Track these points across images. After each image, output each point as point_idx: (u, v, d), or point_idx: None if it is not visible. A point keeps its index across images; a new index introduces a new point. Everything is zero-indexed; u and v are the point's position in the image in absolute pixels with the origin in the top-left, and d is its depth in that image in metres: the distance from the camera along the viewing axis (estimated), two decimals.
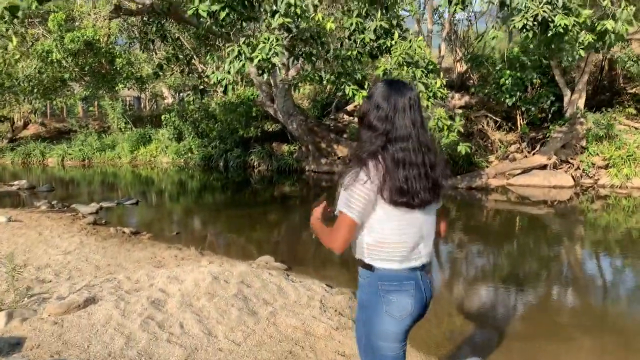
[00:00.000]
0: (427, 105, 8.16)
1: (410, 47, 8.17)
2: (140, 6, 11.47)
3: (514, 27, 7.93)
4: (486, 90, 15.72)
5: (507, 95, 14.80)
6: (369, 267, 2.16)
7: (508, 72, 14.69)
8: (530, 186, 12.81)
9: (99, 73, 21.21)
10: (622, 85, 16.59)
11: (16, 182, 14.98)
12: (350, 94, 8.32)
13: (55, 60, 17.57)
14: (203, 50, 14.47)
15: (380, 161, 2.06)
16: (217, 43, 17.28)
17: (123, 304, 4.24)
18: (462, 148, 8.43)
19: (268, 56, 7.47)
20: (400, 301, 2.12)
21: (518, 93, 14.65)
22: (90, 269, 5.73)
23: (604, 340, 4.48)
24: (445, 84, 8.46)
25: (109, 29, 22.24)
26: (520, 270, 6.69)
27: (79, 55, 18.25)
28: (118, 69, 20.94)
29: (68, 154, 23.21)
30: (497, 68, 15.22)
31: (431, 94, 8.16)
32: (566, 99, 14.11)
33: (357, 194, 2.06)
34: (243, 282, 4.75)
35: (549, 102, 14.26)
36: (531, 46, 15.04)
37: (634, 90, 15.94)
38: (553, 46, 12.23)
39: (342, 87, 8.41)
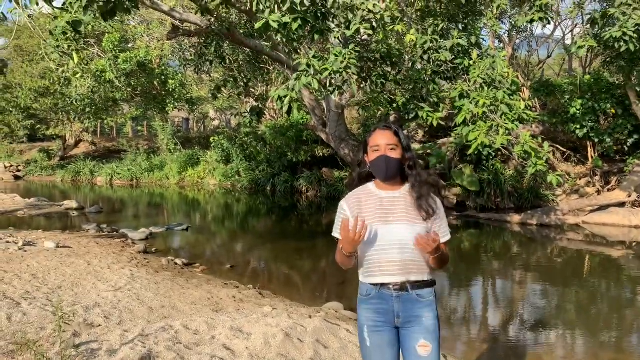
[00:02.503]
0: (513, 129, 7.36)
1: (493, 64, 7.43)
2: (198, 27, 11.15)
3: (610, 36, 7.11)
4: (554, 120, 14.75)
5: (578, 126, 13.83)
6: (434, 283, 2.42)
7: (580, 100, 13.74)
8: (607, 225, 11.71)
9: (150, 94, 21.28)
10: None
11: (65, 202, 14.83)
12: (425, 116, 7.63)
13: (108, 80, 17.63)
14: (257, 72, 14.13)
15: None
16: (267, 66, 17.01)
17: None
18: (553, 178, 7.58)
19: (340, 70, 6.88)
20: None
21: (590, 123, 13.66)
22: (143, 311, 5.15)
23: None
24: (531, 106, 7.64)
25: (162, 51, 22.32)
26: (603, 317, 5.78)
27: (131, 75, 18.28)
28: (170, 90, 20.96)
29: (117, 174, 23.27)
30: (567, 97, 14.26)
31: (516, 117, 7.37)
32: None
33: None
34: (319, 342, 4.06)
35: (626, 132, 13.19)
36: (606, 74, 14.12)
37: None
38: (637, 69, 11.33)
39: (415, 109, 7.74)
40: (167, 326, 4.47)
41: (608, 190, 12.93)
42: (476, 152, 8.52)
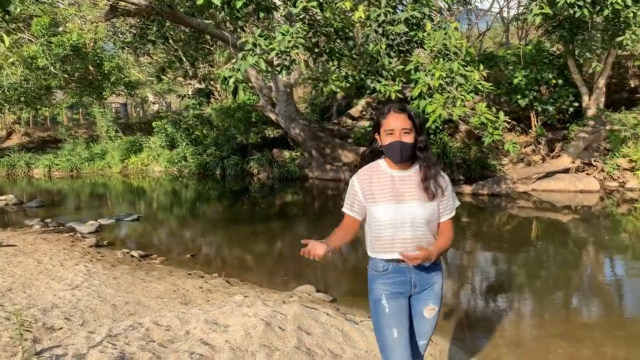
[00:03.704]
0: (469, 100, 7.39)
1: (446, 35, 7.40)
2: (137, 7, 10.58)
3: (565, 2, 7.20)
4: (498, 91, 15.03)
5: (521, 96, 14.16)
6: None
7: (522, 71, 14.05)
8: (555, 191, 12.13)
9: (86, 79, 20.23)
10: (636, 83, 16.03)
11: (2, 197, 13.93)
12: (383, 89, 7.53)
13: (40, 67, 16.59)
14: (200, 52, 13.63)
15: None
16: (208, 47, 16.47)
17: None
18: (509, 146, 7.69)
19: (288, 49, 6.66)
20: None
21: (533, 93, 14.01)
22: (106, 309, 4.85)
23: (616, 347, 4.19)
24: (485, 76, 7.69)
25: (96, 34, 21.24)
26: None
27: (65, 60, 17.28)
28: (106, 73, 19.96)
29: (55, 165, 22.15)
30: (510, 68, 14.55)
31: (471, 88, 7.39)
32: (585, 98, 13.48)
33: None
34: (301, 329, 3.93)
35: (568, 101, 13.61)
36: (547, 44, 14.48)
37: None
38: (577, 39, 11.65)
39: (372, 84, 7.63)
40: (135, 324, 4.22)
41: (553, 157, 13.36)
42: (435, 125, 8.54)
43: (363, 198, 2.45)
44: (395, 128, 2.37)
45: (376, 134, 2.49)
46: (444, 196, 2.44)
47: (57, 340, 4.02)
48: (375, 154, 2.53)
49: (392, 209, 2.37)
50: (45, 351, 3.75)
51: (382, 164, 2.48)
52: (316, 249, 2.34)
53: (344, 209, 2.53)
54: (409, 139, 2.37)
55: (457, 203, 2.56)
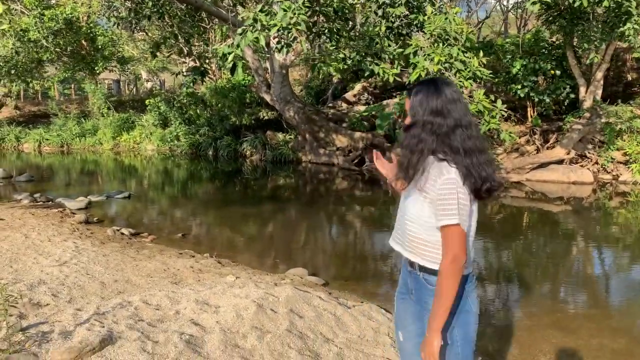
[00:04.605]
0: (467, 87, 7.30)
1: (446, 20, 7.29)
2: None
3: None
4: (496, 80, 14.94)
5: (519, 86, 14.07)
6: None
7: (521, 60, 13.95)
8: (548, 182, 12.11)
9: (79, 54, 19.92)
10: (633, 77, 15.99)
11: None
12: (381, 72, 7.43)
13: (32, 40, 16.28)
14: (195, 30, 13.40)
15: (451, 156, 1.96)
16: (205, 25, 16.19)
17: (150, 345, 3.32)
18: (505, 135, 7.62)
19: (290, 26, 6.52)
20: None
21: (530, 83, 13.93)
22: (95, 286, 4.77)
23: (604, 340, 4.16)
24: (484, 63, 7.60)
25: (89, 7, 20.83)
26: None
27: (58, 34, 16.97)
28: (99, 47, 19.64)
29: (45, 140, 21.86)
30: (509, 57, 14.44)
31: (470, 75, 7.30)
32: (582, 90, 13.42)
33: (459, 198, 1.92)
34: (293, 312, 3.87)
35: (565, 92, 13.55)
36: (546, 33, 14.38)
37: None
38: (577, 29, 11.56)
39: (370, 67, 7.51)
40: (124, 302, 4.14)
41: (547, 148, 13.32)
42: None
43: None
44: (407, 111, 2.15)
45: None
46: (428, 189, 1.97)
47: (44, 316, 3.94)
48: None
49: (401, 198, 2.17)
50: (30, 327, 3.67)
51: None
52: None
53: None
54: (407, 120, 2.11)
55: (448, 217, 1.90)
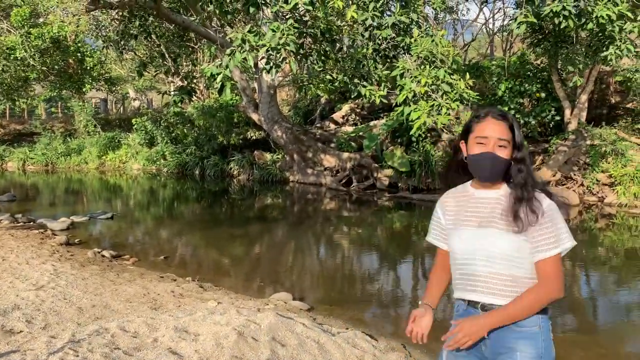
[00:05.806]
0: (454, 108, 7.32)
1: (432, 42, 7.33)
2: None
3: (550, 11, 7.20)
4: (482, 102, 15.06)
5: (506, 108, 14.17)
6: (544, 311, 1.90)
7: (506, 82, 14.09)
8: None
9: (66, 73, 19.79)
10: (617, 99, 16.20)
11: None
12: (368, 94, 7.43)
13: (19, 58, 16.16)
14: (183, 49, 13.41)
15: None
16: (193, 45, 16.23)
17: None
18: None
19: (279, 46, 6.52)
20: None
21: (516, 105, 14.06)
22: (72, 312, 4.62)
23: None
24: (472, 85, 7.63)
25: (77, 26, 20.79)
26: None
27: (45, 53, 16.87)
28: (87, 68, 19.53)
29: (30, 158, 21.65)
30: (495, 79, 14.59)
31: (457, 97, 7.31)
32: (567, 112, 13.55)
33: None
34: (275, 340, 3.76)
35: (549, 115, 13.68)
36: (532, 56, 14.56)
37: (630, 105, 15.53)
38: (562, 52, 11.73)
39: (357, 88, 7.52)
40: (101, 329, 4.01)
41: (533, 170, 13.37)
42: (419, 132, 8.45)
43: (445, 222, 2.08)
44: (490, 137, 1.90)
45: (462, 141, 2.02)
46: (538, 225, 1.85)
47: (16, 344, 3.80)
48: (459, 166, 2.06)
49: (466, 235, 1.96)
50: (1, 356, 3.53)
51: (469, 186, 2.06)
52: (422, 324, 2.01)
53: (428, 238, 2.19)
54: (504, 153, 1.90)
55: (568, 241, 1.87)
